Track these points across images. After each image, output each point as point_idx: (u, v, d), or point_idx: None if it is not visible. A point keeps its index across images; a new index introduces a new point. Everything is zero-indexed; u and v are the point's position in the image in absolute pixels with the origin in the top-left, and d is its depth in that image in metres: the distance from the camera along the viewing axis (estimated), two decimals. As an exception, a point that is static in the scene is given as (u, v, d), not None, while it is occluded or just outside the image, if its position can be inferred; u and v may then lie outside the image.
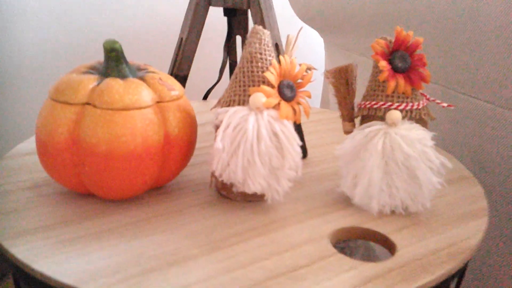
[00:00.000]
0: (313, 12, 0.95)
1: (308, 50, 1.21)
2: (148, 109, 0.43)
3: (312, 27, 1.00)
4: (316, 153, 0.60)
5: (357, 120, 0.51)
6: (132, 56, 0.94)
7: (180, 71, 0.56)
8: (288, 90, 0.45)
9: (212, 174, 0.46)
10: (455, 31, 0.67)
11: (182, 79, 0.56)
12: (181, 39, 0.57)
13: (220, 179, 0.44)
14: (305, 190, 0.50)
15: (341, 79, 0.49)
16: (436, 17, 0.70)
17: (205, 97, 0.77)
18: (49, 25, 0.88)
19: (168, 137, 0.44)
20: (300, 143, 0.44)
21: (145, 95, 0.43)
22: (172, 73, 0.56)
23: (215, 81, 0.81)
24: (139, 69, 0.47)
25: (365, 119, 0.48)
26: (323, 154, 0.60)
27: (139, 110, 0.42)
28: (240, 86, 0.45)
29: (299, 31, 0.48)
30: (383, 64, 0.45)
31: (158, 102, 0.44)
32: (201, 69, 0.98)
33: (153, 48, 0.95)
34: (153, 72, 0.47)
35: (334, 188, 0.51)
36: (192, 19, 0.55)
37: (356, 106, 0.49)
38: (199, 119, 0.69)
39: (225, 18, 0.62)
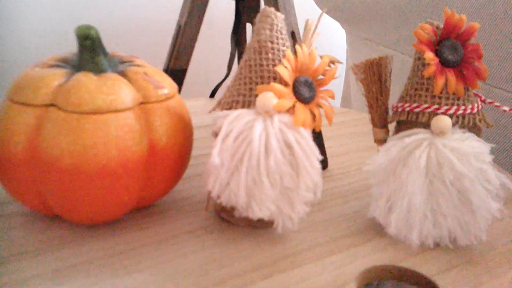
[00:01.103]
0: (335, 1, 0.86)
1: (328, 44, 1.11)
2: (127, 113, 0.34)
3: (333, 17, 0.90)
4: (338, 163, 0.51)
5: (391, 126, 0.41)
6: (132, 49, 0.85)
7: (177, 64, 0.46)
8: (305, 89, 0.35)
9: (209, 194, 0.37)
10: (499, 20, 0.57)
11: (180, 74, 0.46)
12: (179, 26, 0.47)
13: (218, 201, 0.35)
14: (325, 213, 0.41)
15: (373, 75, 0.39)
16: (477, 5, 0.59)
17: (212, 95, 0.67)
18: (50, 15, 0.80)
19: (153, 147, 0.35)
20: (321, 157, 0.34)
21: (125, 94, 0.34)
22: (168, 67, 0.47)
23: (224, 76, 0.72)
24: (122, 61, 0.38)
25: (402, 126, 0.38)
26: (347, 165, 0.50)
27: (115, 114, 0.33)
28: (245, 83, 0.36)
29: (321, 14, 0.38)
30: (430, 56, 0.35)
31: (141, 103, 0.35)
32: (207, 62, 0.89)
33: (154, 40, 0.86)
34: (138, 66, 0.37)
35: (363, 210, 0.41)
36: (192, 1, 0.46)
37: (390, 108, 0.40)
38: (205, 120, 0.60)
39: (233, 2, 0.52)
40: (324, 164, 0.49)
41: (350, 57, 0.93)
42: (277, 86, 0.34)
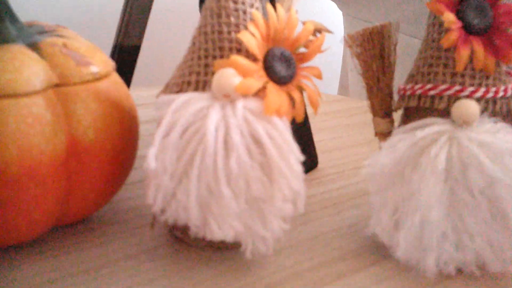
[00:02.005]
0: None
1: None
2: (33, 98, 0.24)
3: (328, -4, 0.81)
4: (330, 161, 0.41)
5: (396, 116, 0.32)
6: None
7: (127, 40, 0.37)
8: (281, 65, 0.26)
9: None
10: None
11: (131, 52, 0.37)
12: (130, -8, 0.38)
13: (162, 218, 0.25)
14: (312, 227, 0.32)
15: (372, 48, 0.30)
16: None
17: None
18: None
19: (74, 145, 0.26)
20: (301, 157, 0.25)
21: (30, 72, 0.25)
22: (116, 44, 0.37)
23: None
24: (42, 31, 0.29)
25: (412, 114, 0.29)
26: (341, 163, 0.41)
27: (14, 100, 0.24)
28: (199, 58, 0.26)
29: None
30: (450, 18, 0.26)
31: (57, 85, 0.26)
32: (177, 43, 0.79)
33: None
34: (59, 36, 0.28)
35: (361, 223, 0.32)
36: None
37: (396, 92, 0.30)
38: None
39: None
40: (313, 162, 0.40)
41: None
42: (240, 59, 0.24)
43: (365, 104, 0.57)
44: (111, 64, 0.29)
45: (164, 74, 0.85)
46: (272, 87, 0.25)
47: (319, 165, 0.40)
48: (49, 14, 0.73)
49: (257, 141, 0.24)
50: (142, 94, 0.54)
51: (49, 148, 0.25)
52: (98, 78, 0.27)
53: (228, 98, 0.25)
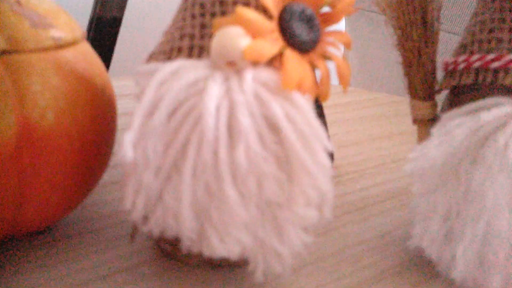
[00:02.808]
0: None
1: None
2: (-31, 66, 0.18)
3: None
4: (347, 157, 0.35)
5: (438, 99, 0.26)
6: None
7: (105, 10, 0.30)
8: (302, 26, 0.20)
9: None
10: None
11: (111, 25, 0.31)
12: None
13: (145, 228, 0.19)
14: (335, 238, 0.25)
15: (412, 13, 0.24)
16: None
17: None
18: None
19: (29, 130, 0.19)
20: (330, 147, 0.19)
21: (-33, 33, 0.18)
22: (93, 16, 0.31)
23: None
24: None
25: (464, 95, 0.23)
26: (360, 161, 0.35)
27: None
28: (193, 16, 0.20)
29: None
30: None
31: (5, 52, 0.19)
32: (157, 30, 0.73)
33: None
34: (13, -8, 0.22)
35: (393, 232, 0.26)
36: None
37: (441, 68, 0.24)
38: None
39: None
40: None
41: (348, 30, 0.78)
42: (249, 13, 0.18)
43: (377, 97, 0.51)
44: (80, 30, 0.23)
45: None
46: (291, 54, 0.19)
47: (336, 162, 0.34)
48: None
49: (272, 126, 0.18)
50: (125, 84, 0.48)
51: (-9, 135, 0.18)
52: (61, 45, 0.21)
53: (232, 66, 0.18)
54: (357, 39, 0.70)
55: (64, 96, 0.20)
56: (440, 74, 0.25)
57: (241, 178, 0.18)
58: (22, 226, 0.21)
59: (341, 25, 0.87)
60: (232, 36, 0.18)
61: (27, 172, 0.20)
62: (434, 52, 0.24)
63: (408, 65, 0.24)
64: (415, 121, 0.25)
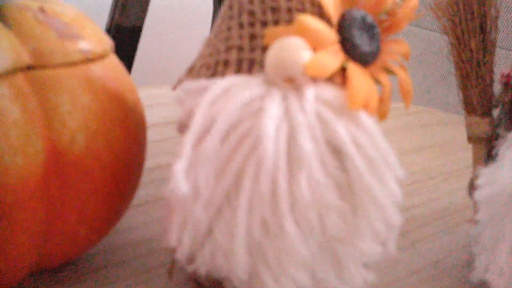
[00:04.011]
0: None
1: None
2: (-9, 84, 0.16)
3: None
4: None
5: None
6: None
7: (125, 19, 0.28)
8: (363, 36, 0.18)
9: (174, 252, 0.19)
10: None
11: (131, 35, 0.28)
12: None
13: (190, 267, 0.17)
14: (382, 267, 0.23)
15: (470, 19, 0.22)
16: None
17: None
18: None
19: (58, 156, 0.17)
20: (402, 175, 0.17)
21: (-12, 46, 0.16)
22: (111, 23, 0.29)
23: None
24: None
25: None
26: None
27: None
28: (240, 26, 0.18)
29: None
30: None
31: (30, 67, 0.17)
32: (180, 39, 0.70)
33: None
34: None
35: (446, 260, 0.24)
36: None
37: (499, 81, 0.22)
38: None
39: None
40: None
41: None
42: (312, 22, 0.16)
43: (399, 105, 0.49)
44: (109, 41, 0.20)
45: (166, 72, 0.76)
46: (355, 68, 0.17)
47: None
48: None
49: (336, 150, 0.16)
50: (143, 94, 0.46)
51: (17, 162, 0.16)
52: (90, 58, 0.19)
53: (291, 83, 0.16)
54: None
55: (95, 117, 0.18)
56: (496, 88, 0.23)
57: (301, 211, 0.16)
58: (46, 261, 0.19)
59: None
60: (292, 49, 0.16)
61: (55, 204, 0.17)
62: (492, 64, 0.22)
63: (465, 78, 0.22)
64: (470, 139, 0.23)
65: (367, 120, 0.16)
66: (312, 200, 0.16)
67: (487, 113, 0.22)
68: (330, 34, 0.16)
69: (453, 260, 0.24)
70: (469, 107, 0.23)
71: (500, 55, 0.54)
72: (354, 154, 0.16)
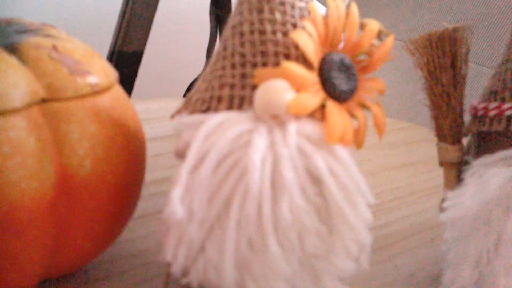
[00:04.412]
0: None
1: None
2: (12, 118, 0.18)
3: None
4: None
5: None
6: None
7: (127, 45, 0.30)
8: (342, 76, 0.20)
9: (168, 267, 0.21)
10: None
11: (132, 60, 0.30)
12: (132, -13, 0.32)
13: (184, 280, 0.19)
14: (360, 279, 0.25)
15: (442, 57, 0.24)
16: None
17: (187, 93, 0.52)
18: None
19: (67, 180, 0.19)
20: (372, 200, 0.19)
21: (9, 84, 0.18)
22: (114, 49, 0.31)
23: (203, 67, 0.56)
24: (24, 30, 0.22)
25: (495, 141, 0.23)
26: (380, 192, 0.35)
27: (-16, 120, 0.17)
28: (233, 66, 0.20)
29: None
30: None
31: (44, 100, 0.19)
32: (180, 50, 0.72)
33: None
34: (47, 36, 0.21)
35: (420, 273, 0.26)
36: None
37: (468, 112, 0.25)
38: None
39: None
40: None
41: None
42: (294, 67, 0.18)
43: (387, 121, 0.51)
44: (114, 73, 0.23)
45: (169, 85, 0.78)
46: (333, 106, 0.19)
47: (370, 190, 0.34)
48: (31, 14, 0.66)
49: (315, 178, 0.18)
50: (140, 108, 0.48)
51: (32, 186, 0.18)
52: (98, 91, 0.21)
53: (276, 119, 0.18)
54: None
55: (101, 144, 0.20)
56: (467, 117, 0.25)
57: (283, 232, 0.18)
58: (54, 271, 0.21)
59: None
60: (277, 90, 0.18)
61: (64, 222, 0.19)
62: (462, 96, 0.25)
63: (437, 109, 0.25)
64: (441, 163, 0.25)
65: (342, 152, 0.19)
66: (293, 222, 0.18)
67: (457, 141, 0.25)
68: (310, 77, 0.18)
69: (426, 273, 0.26)
70: (441, 135, 0.25)
71: (484, 73, 0.57)
72: (330, 182, 0.18)
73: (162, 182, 0.34)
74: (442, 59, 0.24)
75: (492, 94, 0.23)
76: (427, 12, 0.64)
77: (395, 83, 0.64)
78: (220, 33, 0.42)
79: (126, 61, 0.30)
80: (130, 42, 0.30)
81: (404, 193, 0.35)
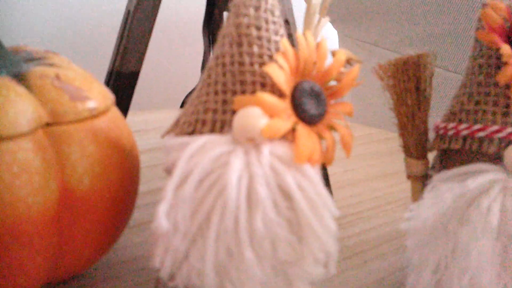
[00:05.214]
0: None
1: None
2: (19, 141, 0.20)
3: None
4: (346, 199, 0.38)
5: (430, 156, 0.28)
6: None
7: (125, 65, 0.33)
8: (311, 102, 0.22)
9: (158, 273, 0.24)
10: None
11: (129, 80, 0.33)
12: (128, 11, 0.34)
13: (171, 284, 0.21)
14: (335, 284, 0.28)
15: (407, 81, 0.26)
16: None
17: (183, 105, 0.54)
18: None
19: (68, 194, 0.22)
20: (336, 212, 0.22)
21: (17, 111, 0.21)
22: (112, 69, 0.33)
23: (197, 80, 0.58)
24: (30, 59, 0.25)
25: (454, 157, 0.26)
26: (359, 202, 0.37)
27: (-4, 144, 0.20)
28: (216, 93, 0.23)
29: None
30: (508, 51, 0.22)
31: (48, 124, 0.22)
32: (175, 65, 0.75)
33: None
34: (50, 65, 0.24)
35: (390, 277, 0.29)
36: (146, -21, 0.33)
37: (432, 130, 0.27)
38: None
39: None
40: (328, 200, 0.36)
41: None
42: (267, 97, 0.21)
43: (372, 132, 0.54)
44: (111, 97, 0.25)
45: (162, 97, 0.81)
46: (302, 129, 0.21)
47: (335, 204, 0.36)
48: (36, 36, 0.69)
49: (286, 193, 0.21)
50: (135, 119, 0.50)
51: (38, 201, 0.21)
52: (96, 115, 0.23)
53: (252, 142, 0.21)
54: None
55: (99, 162, 0.22)
56: (432, 134, 0.27)
57: (258, 241, 0.20)
58: (56, 276, 0.24)
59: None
60: (252, 117, 0.20)
61: (66, 231, 0.22)
62: (426, 116, 0.27)
63: (403, 127, 0.27)
64: (409, 177, 0.28)
65: (310, 170, 0.21)
66: (266, 233, 0.20)
67: (422, 156, 0.27)
68: (281, 105, 0.21)
69: (396, 277, 0.29)
70: (407, 151, 0.27)
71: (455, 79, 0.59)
72: (299, 197, 0.21)
73: (157, 192, 0.36)
74: (407, 83, 0.26)
75: (451, 115, 0.26)
76: (414, 24, 0.67)
77: (382, 95, 0.66)
78: (213, 49, 0.44)
79: (123, 80, 0.33)
80: (127, 63, 0.33)
81: (382, 202, 0.38)
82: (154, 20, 0.34)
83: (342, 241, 0.32)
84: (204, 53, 0.45)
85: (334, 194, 0.38)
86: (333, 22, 0.80)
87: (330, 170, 0.42)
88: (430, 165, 0.28)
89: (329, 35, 0.97)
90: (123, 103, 0.33)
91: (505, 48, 0.22)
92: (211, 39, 0.43)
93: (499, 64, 0.23)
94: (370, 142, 0.50)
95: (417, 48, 0.65)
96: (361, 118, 0.72)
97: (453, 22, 0.62)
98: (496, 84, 0.24)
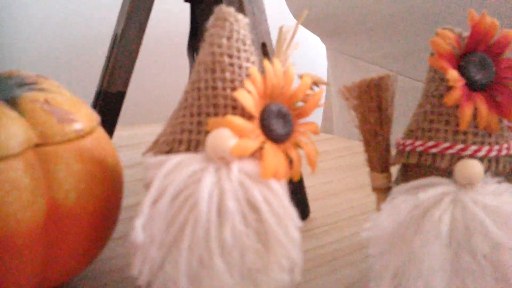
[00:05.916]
0: (315, 12, 0.76)
1: (306, 61, 1.01)
2: (10, 162, 0.22)
3: (312, 31, 0.81)
4: (322, 209, 0.40)
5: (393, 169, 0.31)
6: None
7: (112, 86, 0.35)
8: (279, 123, 0.25)
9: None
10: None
11: (116, 99, 0.35)
12: (115, 35, 0.36)
13: (150, 291, 0.23)
14: (308, 288, 0.30)
15: (370, 101, 0.29)
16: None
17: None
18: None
19: (55, 210, 0.24)
20: (299, 223, 0.24)
21: (9, 134, 0.23)
22: (100, 90, 0.36)
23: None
24: (22, 84, 0.27)
25: (412, 171, 0.28)
26: (335, 212, 0.40)
27: (-11, 164, 0.22)
28: (191, 115, 0.25)
29: (300, 19, 0.28)
30: (455, 75, 0.25)
31: (37, 145, 0.24)
32: (163, 83, 0.78)
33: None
34: (40, 90, 0.26)
35: (358, 283, 0.31)
36: (131, 4, 0.35)
37: (394, 146, 0.29)
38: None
39: (187, 6, 0.42)
40: (305, 211, 0.38)
41: (331, 76, 0.84)
42: (236, 120, 0.23)
43: (353, 144, 0.56)
44: (96, 118, 0.27)
45: (149, 112, 0.83)
46: (269, 148, 0.24)
47: (311, 215, 0.39)
48: (30, 57, 0.72)
49: (254, 208, 0.23)
50: (123, 134, 0.52)
51: (27, 216, 0.23)
52: (81, 135, 0.25)
53: (223, 160, 0.23)
54: (339, 84, 0.76)
55: (84, 179, 0.25)
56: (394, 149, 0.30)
57: (227, 251, 0.22)
58: (46, 284, 0.26)
59: (323, 71, 0.92)
60: (222, 137, 0.23)
61: (52, 244, 0.24)
62: (388, 133, 0.29)
63: (367, 143, 0.29)
64: (374, 189, 0.30)
65: (276, 185, 0.23)
66: (235, 243, 0.22)
67: (384, 170, 0.29)
68: (248, 126, 0.23)
69: (363, 284, 0.31)
70: (371, 165, 0.29)
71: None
72: (265, 210, 0.23)
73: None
74: (370, 103, 0.29)
75: (409, 132, 0.28)
76: (397, 40, 0.69)
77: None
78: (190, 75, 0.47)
79: (110, 100, 0.35)
80: (115, 84, 0.35)
81: (358, 212, 0.40)
82: (140, 43, 0.36)
83: (316, 249, 0.34)
84: (190, 69, 0.47)
85: (312, 205, 0.40)
86: (321, 36, 0.82)
87: (309, 182, 0.45)
88: (393, 178, 0.30)
89: (317, 49, 1.00)
90: (110, 120, 0.35)
91: (451, 73, 0.24)
92: (195, 58, 0.46)
93: (450, 87, 0.26)
94: (350, 154, 0.53)
95: (400, 62, 0.68)
96: (348, 130, 0.74)
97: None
98: (448, 106, 0.26)
